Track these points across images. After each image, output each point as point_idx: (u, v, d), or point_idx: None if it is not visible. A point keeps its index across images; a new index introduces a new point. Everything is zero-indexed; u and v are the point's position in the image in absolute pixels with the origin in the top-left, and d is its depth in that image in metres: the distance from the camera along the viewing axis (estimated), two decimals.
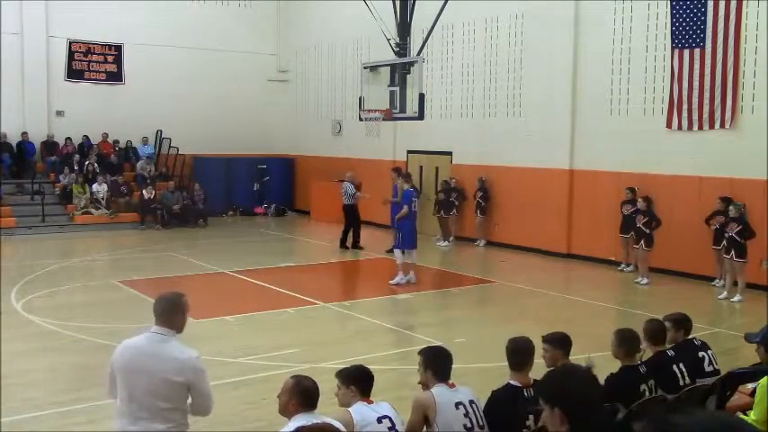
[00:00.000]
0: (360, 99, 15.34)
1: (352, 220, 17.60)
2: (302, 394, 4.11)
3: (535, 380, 4.90)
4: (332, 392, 4.75)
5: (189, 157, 23.31)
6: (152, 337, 4.34)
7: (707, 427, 1.70)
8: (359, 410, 4.45)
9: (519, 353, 4.90)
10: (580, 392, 2.85)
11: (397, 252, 13.52)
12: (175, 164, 23.14)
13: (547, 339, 5.30)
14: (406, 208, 13.33)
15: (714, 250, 13.04)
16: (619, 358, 5.44)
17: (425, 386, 4.81)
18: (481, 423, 4.70)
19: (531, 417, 4.66)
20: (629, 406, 5.08)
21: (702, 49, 13.81)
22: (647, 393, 5.28)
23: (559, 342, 5.27)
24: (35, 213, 19.77)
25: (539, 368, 5.03)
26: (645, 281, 13.69)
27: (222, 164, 23.65)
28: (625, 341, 5.46)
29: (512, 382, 4.85)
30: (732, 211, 12.40)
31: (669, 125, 14.46)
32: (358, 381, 4.65)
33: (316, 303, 11.99)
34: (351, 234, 17.64)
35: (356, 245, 17.57)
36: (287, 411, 4.10)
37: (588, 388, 2.94)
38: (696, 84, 13.93)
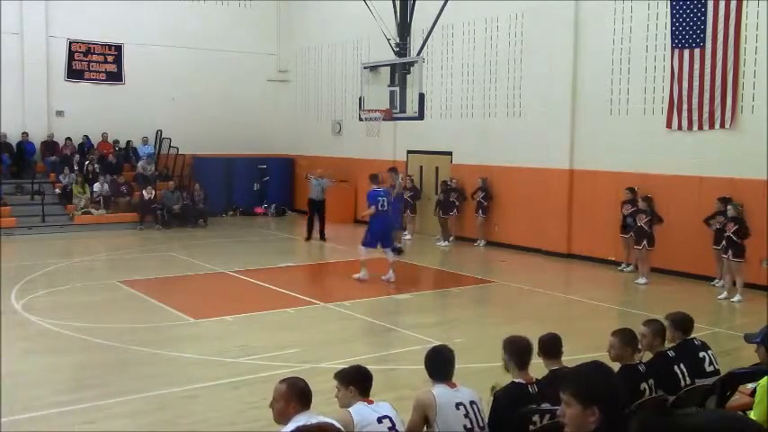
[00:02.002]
0: (360, 99, 15.33)
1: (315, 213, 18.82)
2: (300, 395, 4.11)
3: (537, 378, 4.93)
4: (332, 393, 4.75)
5: (189, 157, 23.30)
6: None
7: (712, 424, 1.70)
8: (359, 411, 4.45)
9: (522, 352, 4.98)
10: (616, 391, 2.83)
11: (361, 248, 13.72)
12: (175, 164, 23.13)
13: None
14: (372, 207, 13.54)
15: (714, 250, 13.04)
16: (618, 359, 5.44)
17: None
18: (481, 424, 4.71)
19: (536, 415, 4.67)
20: (630, 405, 5.09)
21: (702, 49, 13.81)
22: (647, 393, 5.30)
23: (545, 345, 5.32)
24: (35, 213, 19.76)
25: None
26: (644, 281, 13.68)
27: (222, 164, 23.65)
28: (625, 341, 5.47)
29: (516, 380, 4.91)
30: (730, 211, 12.40)
31: (669, 125, 14.46)
32: (357, 381, 4.65)
33: (316, 303, 11.99)
34: (315, 226, 18.81)
35: (322, 236, 18.70)
36: (285, 416, 4.08)
37: (620, 387, 2.92)
38: (696, 84, 13.93)
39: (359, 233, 18.62)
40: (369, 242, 13.62)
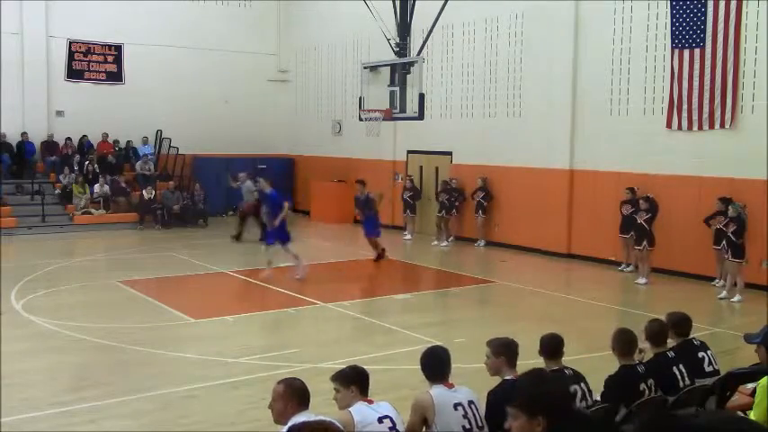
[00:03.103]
0: (360, 99, 15.34)
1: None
2: (298, 395, 4.14)
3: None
4: (332, 393, 4.74)
5: (189, 157, 23.30)
6: None
7: (716, 424, 1.69)
8: (359, 411, 4.45)
9: (515, 353, 5.10)
10: (561, 399, 2.83)
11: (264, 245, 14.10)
12: (175, 164, 23.13)
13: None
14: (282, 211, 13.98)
15: (714, 250, 13.04)
16: (617, 356, 5.49)
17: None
18: (480, 424, 4.72)
19: None
20: (629, 406, 5.10)
21: (702, 49, 13.81)
22: (646, 393, 5.30)
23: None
24: (35, 213, 19.76)
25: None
26: (644, 281, 13.68)
27: (222, 164, 23.63)
28: (624, 341, 5.49)
29: (508, 377, 4.99)
30: (730, 211, 12.41)
31: (669, 125, 14.46)
32: (358, 380, 4.67)
33: (316, 303, 12.00)
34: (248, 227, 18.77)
35: (239, 237, 18.62)
36: (285, 416, 4.10)
37: (567, 393, 2.93)
38: (696, 84, 13.93)
39: (358, 233, 18.65)
40: (270, 237, 14.00)
